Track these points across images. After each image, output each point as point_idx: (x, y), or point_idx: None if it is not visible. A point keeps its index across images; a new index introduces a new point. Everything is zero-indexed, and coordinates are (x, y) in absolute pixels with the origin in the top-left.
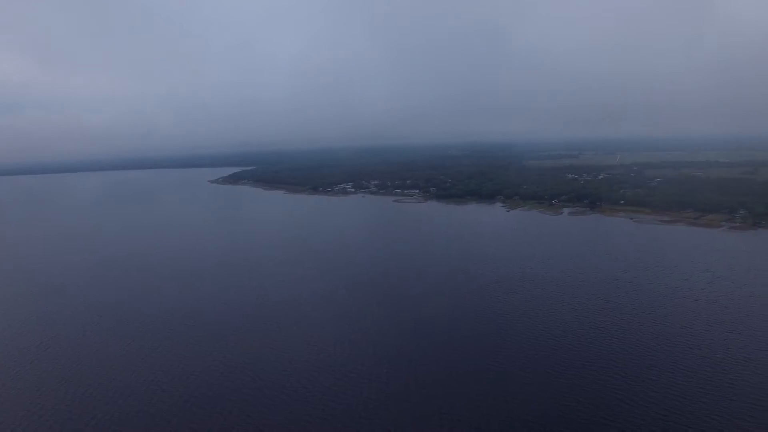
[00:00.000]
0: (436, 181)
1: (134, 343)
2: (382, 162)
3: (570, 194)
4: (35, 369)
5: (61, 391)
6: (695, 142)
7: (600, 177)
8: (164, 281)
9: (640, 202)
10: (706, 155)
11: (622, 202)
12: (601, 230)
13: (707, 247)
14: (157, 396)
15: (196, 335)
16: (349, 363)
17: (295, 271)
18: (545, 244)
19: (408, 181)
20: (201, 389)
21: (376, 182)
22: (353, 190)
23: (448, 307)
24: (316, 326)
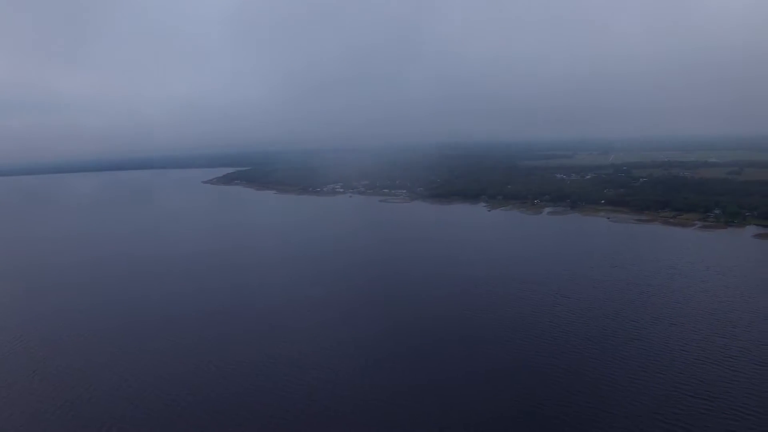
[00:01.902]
0: (425, 180)
1: (114, 344)
2: (375, 162)
3: (553, 194)
4: (10, 364)
5: (33, 387)
6: (693, 141)
7: (588, 177)
8: (150, 282)
9: (620, 202)
10: (698, 155)
11: (602, 201)
12: (576, 229)
13: (676, 245)
14: (133, 397)
15: (181, 337)
16: (330, 365)
17: (273, 271)
18: (517, 243)
19: (397, 181)
20: (185, 392)
21: (365, 182)
22: (342, 190)
23: (413, 307)
24: (298, 327)
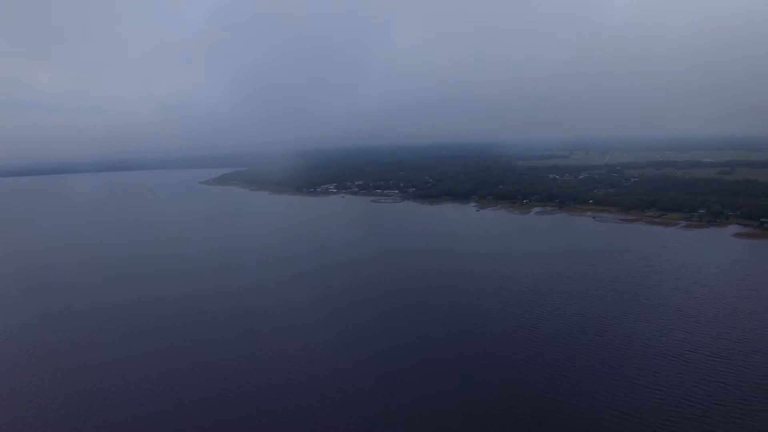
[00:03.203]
0: (418, 181)
1: (104, 346)
2: (371, 162)
3: (542, 194)
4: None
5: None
6: (693, 142)
7: (580, 177)
8: (141, 283)
9: (607, 202)
10: (693, 155)
11: (590, 201)
12: (561, 228)
13: (656, 244)
14: (121, 397)
15: (163, 339)
16: (312, 365)
17: (262, 271)
18: (501, 242)
19: (390, 182)
20: (171, 393)
21: (359, 183)
22: (335, 190)
23: (394, 306)
24: (286, 327)
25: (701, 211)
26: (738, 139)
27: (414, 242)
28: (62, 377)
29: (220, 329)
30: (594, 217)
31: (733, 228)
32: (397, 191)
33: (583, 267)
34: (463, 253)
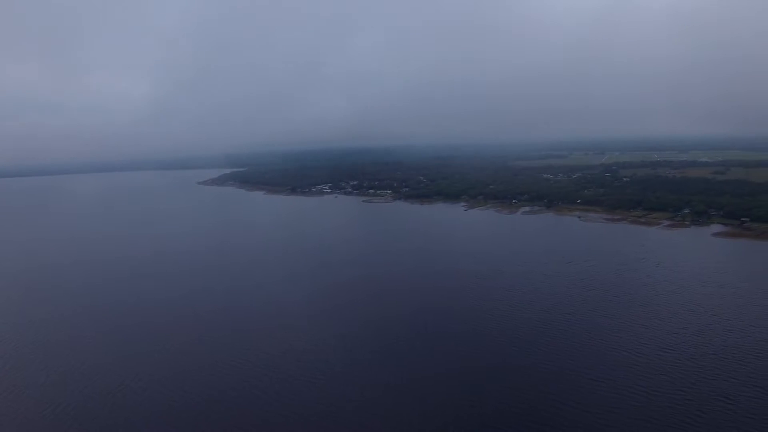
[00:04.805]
0: (412, 181)
1: (98, 349)
2: (370, 163)
3: (532, 194)
4: None
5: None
6: (693, 142)
7: (574, 177)
8: (133, 283)
9: (595, 201)
10: (691, 155)
11: (579, 201)
12: (545, 228)
13: (636, 242)
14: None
15: (161, 338)
16: (295, 367)
17: (246, 270)
18: (483, 241)
19: (385, 182)
20: (170, 392)
21: (354, 183)
22: (329, 190)
23: (375, 305)
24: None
25: (685, 210)
26: (739, 140)
27: (395, 242)
28: (62, 376)
29: (216, 329)
30: (579, 217)
31: (716, 227)
32: (390, 191)
33: (560, 265)
34: (442, 251)
